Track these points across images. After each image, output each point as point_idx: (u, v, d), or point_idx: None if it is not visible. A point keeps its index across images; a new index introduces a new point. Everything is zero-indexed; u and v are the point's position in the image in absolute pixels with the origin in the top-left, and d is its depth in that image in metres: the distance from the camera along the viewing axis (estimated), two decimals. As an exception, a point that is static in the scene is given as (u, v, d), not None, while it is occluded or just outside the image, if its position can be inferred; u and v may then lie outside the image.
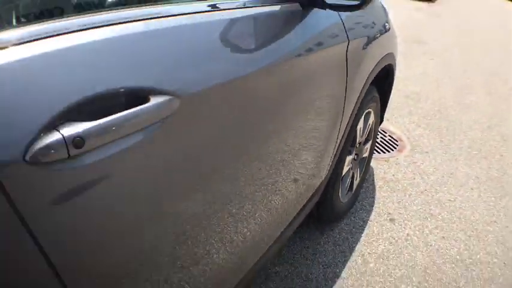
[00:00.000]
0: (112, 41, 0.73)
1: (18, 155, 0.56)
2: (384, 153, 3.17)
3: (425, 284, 2.02)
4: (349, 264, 2.05)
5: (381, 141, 3.32)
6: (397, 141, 3.40)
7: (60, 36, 0.66)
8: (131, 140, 0.71)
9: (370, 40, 1.86)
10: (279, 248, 1.66)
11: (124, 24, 0.76)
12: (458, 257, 2.24)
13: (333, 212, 2.16)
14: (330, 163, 1.81)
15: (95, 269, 0.73)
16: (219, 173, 1.00)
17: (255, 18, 1.13)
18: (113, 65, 0.71)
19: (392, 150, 3.25)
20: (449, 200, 2.74)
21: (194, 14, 0.93)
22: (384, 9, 2.23)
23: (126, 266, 0.79)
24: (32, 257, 0.60)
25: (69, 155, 0.61)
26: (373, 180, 2.80)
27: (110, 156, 0.68)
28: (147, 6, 0.90)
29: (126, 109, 0.69)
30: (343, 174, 2.11)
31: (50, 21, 0.68)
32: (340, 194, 2.16)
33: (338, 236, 2.22)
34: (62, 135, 0.60)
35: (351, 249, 2.15)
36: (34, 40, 0.62)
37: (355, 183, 2.38)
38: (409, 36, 7.60)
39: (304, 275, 1.94)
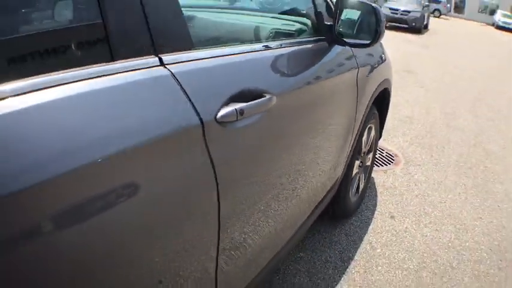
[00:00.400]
0: (248, 62, 1.30)
1: (213, 117, 1.05)
2: (383, 166, 3.65)
3: (424, 264, 2.45)
4: (360, 250, 2.50)
5: (379, 157, 3.80)
6: (393, 157, 3.89)
7: (228, 56, 1.22)
8: (255, 117, 1.22)
9: (372, 68, 2.39)
10: (306, 231, 2.10)
11: (250, 53, 1.34)
12: (450, 244, 2.69)
13: (345, 208, 2.62)
14: (345, 163, 2.31)
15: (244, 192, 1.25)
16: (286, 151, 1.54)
17: (299, 52, 1.68)
18: (249, 76, 1.28)
19: (389, 164, 3.73)
20: (440, 202, 3.21)
21: (265, 50, 1.47)
22: (380, 43, 2.77)
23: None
24: (207, 181, 1.07)
25: (237, 118, 1.11)
26: (375, 187, 3.27)
27: (250, 123, 1.20)
28: (250, 44, 1.49)
29: (254, 100, 1.21)
30: (352, 176, 2.58)
31: (222, 46, 1.25)
32: (350, 194, 2.62)
33: (349, 229, 2.68)
34: (235, 108, 1.10)
35: (360, 239, 2.60)
36: (214, 57, 1.16)
37: (361, 187, 2.85)
38: (400, 67, 8.19)
39: (324, 259, 2.38)
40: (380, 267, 2.37)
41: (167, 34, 1.03)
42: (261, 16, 2.08)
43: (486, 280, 2.41)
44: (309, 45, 1.75)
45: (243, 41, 1.60)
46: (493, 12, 37.68)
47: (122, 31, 0.91)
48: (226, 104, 1.10)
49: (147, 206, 0.89)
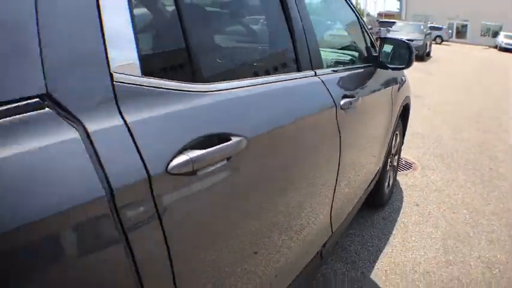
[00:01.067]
0: (341, 76, 2.10)
1: (340, 104, 1.86)
2: (404, 171, 4.39)
3: (448, 235, 3.15)
4: (396, 227, 3.20)
5: (400, 164, 4.53)
6: (411, 164, 4.63)
7: (332, 74, 2.02)
8: (352, 109, 1.99)
9: (400, 86, 3.19)
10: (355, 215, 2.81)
11: (339, 72, 2.11)
12: (466, 221, 3.39)
13: (381, 198, 3.36)
14: (384, 157, 3.08)
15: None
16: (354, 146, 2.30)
17: (361, 73, 2.47)
18: (345, 84, 2.06)
19: (409, 169, 4.47)
20: (454, 194, 3.92)
21: (344, 71, 2.24)
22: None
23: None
24: (337, 140, 1.86)
25: (348, 107, 1.92)
26: (399, 185, 4.00)
27: (352, 111, 1.98)
28: (334, 67, 2.26)
29: (352, 98, 1.99)
30: (386, 170, 3.32)
31: (327, 68, 2.04)
32: (384, 186, 3.35)
33: (385, 214, 3.39)
34: (347, 100, 1.91)
35: (395, 220, 3.31)
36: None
37: (391, 182, 3.58)
38: (405, 95, 8.96)
39: (369, 234, 3.08)
40: (414, 238, 3.07)
41: (316, 59, 1.85)
42: (332, 52, 2.85)
43: (499, 243, 3.09)
44: (365, 69, 2.54)
45: (329, 65, 2.42)
46: (495, 34, 38.09)
47: (302, 58, 1.74)
48: (343, 98, 1.91)
49: (302, 151, 1.63)
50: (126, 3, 1.00)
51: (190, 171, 1.00)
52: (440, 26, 35.37)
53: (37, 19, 0.79)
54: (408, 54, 2.61)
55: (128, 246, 0.87)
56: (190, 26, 1.24)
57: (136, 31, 1.03)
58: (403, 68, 2.67)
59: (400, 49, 2.68)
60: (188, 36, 1.20)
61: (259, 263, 1.47)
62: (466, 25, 43.25)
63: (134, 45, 1.01)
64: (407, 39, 14.60)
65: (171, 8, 1.25)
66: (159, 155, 0.96)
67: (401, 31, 19.51)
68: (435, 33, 30.80)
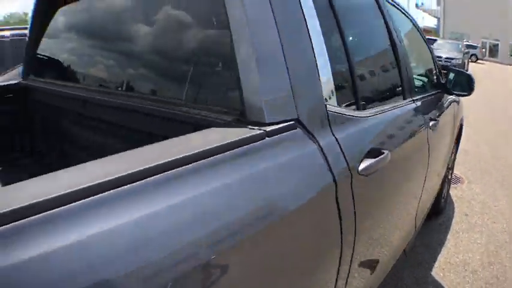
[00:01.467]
0: (427, 99, 2.65)
1: (430, 121, 2.56)
2: (453, 184, 5.34)
3: (489, 240, 4.09)
4: (449, 232, 4.17)
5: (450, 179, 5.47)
6: (459, 178, 5.61)
7: (426, 97, 2.74)
8: (437, 128, 2.65)
9: (459, 107, 3.93)
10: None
11: (428, 97, 2.79)
12: (503, 229, 4.33)
13: (439, 207, 4.31)
14: (444, 172, 3.87)
15: None
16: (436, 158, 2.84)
17: (436, 97, 2.92)
18: (431, 107, 2.68)
19: (457, 183, 5.44)
20: (494, 206, 4.87)
21: (428, 96, 2.72)
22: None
23: None
24: (426, 154, 2.42)
25: (434, 127, 2.55)
26: (451, 198, 4.97)
27: (437, 128, 2.64)
28: (421, 94, 2.62)
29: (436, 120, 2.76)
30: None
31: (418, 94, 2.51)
32: (442, 197, 4.27)
33: (441, 221, 4.36)
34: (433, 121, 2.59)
35: (448, 227, 4.28)
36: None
37: (445, 193, 4.51)
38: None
39: (430, 238, 4.04)
40: (463, 242, 4.04)
41: (412, 87, 2.31)
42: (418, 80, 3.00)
43: (530, 249, 4.04)
44: (438, 94, 2.99)
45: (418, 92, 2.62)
46: (523, 55, 38.19)
47: (406, 87, 2.20)
48: (430, 120, 2.42)
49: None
50: (326, 53, 1.41)
51: (367, 174, 1.37)
52: (475, 45, 35.47)
53: (289, 77, 1.18)
54: (468, 81, 3.00)
55: (339, 214, 1.22)
56: (354, 69, 1.67)
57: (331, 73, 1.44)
58: (466, 95, 3.05)
59: (460, 77, 3.07)
60: (354, 77, 1.65)
61: (371, 253, 1.73)
62: (497, 44, 42.87)
63: (333, 83, 1.43)
64: (447, 57, 15.51)
65: (343, 56, 1.64)
66: (354, 161, 1.34)
67: (442, 49, 19.95)
68: (471, 51, 30.78)
